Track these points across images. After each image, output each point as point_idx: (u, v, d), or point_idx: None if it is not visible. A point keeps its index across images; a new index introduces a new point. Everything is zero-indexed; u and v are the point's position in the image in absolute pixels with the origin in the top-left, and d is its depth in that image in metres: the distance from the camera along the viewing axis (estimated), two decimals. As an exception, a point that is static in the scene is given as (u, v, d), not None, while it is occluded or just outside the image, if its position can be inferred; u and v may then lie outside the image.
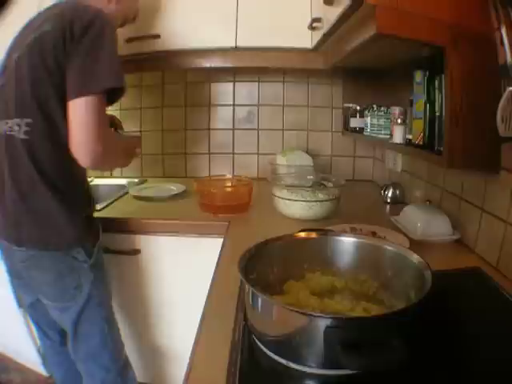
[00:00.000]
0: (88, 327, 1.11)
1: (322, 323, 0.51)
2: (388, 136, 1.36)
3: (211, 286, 0.88)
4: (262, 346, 0.61)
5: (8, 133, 0.99)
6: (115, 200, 1.57)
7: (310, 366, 0.55)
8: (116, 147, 1.11)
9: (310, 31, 1.45)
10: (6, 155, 1.00)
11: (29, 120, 0.97)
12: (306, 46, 1.51)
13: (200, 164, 2.02)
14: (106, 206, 1.48)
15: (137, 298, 1.43)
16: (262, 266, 0.70)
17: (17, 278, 1.13)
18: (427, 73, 0.96)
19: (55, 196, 1.00)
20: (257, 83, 1.95)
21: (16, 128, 0.98)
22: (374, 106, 1.49)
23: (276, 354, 0.58)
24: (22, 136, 0.97)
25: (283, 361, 0.57)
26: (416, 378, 0.56)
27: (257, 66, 1.65)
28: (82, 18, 0.96)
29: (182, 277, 1.38)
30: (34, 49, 0.96)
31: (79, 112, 0.92)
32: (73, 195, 1.05)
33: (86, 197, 1.12)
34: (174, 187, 1.70)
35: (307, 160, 1.80)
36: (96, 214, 1.38)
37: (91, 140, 0.93)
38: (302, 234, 0.80)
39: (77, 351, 1.14)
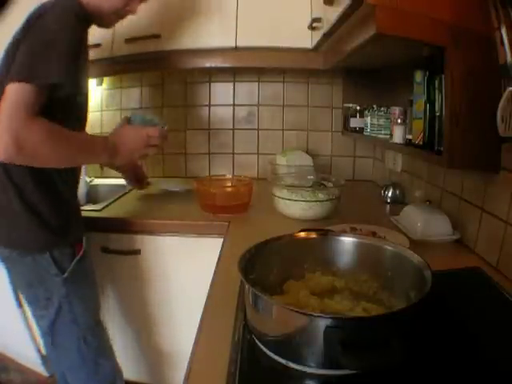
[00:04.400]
0: (62, 341, 1.07)
1: (322, 323, 0.51)
2: (388, 136, 1.36)
3: (211, 286, 0.88)
4: (262, 346, 0.61)
5: None
6: (115, 200, 1.57)
7: (309, 366, 0.54)
8: (50, 142, 0.90)
9: (310, 31, 1.45)
10: None
11: None
12: (306, 46, 1.51)
13: (200, 164, 2.02)
14: (106, 205, 1.48)
15: (136, 298, 1.43)
16: (261, 266, 0.70)
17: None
18: (427, 73, 0.96)
19: (18, 197, 0.97)
20: (257, 83, 1.95)
21: None
22: (374, 106, 1.49)
23: (276, 354, 0.58)
24: None
25: (283, 361, 0.57)
26: (416, 378, 0.56)
27: (257, 66, 1.66)
28: (42, 6, 0.93)
29: (182, 277, 1.38)
30: (9, 44, 0.95)
31: (4, 98, 0.85)
32: (39, 200, 1.00)
33: (57, 205, 1.04)
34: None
35: (307, 160, 1.80)
36: (96, 214, 1.38)
37: (1, 128, 0.83)
38: (302, 234, 0.80)
39: (55, 362, 1.12)
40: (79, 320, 1.06)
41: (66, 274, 1.02)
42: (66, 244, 1.04)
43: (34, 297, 1.04)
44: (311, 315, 0.53)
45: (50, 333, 1.05)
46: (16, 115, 0.84)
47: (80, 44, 0.96)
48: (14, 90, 0.85)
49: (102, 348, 1.14)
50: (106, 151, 1.04)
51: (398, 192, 1.56)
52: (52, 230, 1.02)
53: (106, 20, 1.10)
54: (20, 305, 1.52)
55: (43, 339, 1.15)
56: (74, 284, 1.04)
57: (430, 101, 0.95)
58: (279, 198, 1.35)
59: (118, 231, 1.35)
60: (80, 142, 0.99)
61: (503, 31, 0.78)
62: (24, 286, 1.04)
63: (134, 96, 2.01)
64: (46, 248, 1.01)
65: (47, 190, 1.01)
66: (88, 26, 1.07)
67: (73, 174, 1.12)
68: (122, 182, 1.85)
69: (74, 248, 1.06)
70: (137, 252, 1.36)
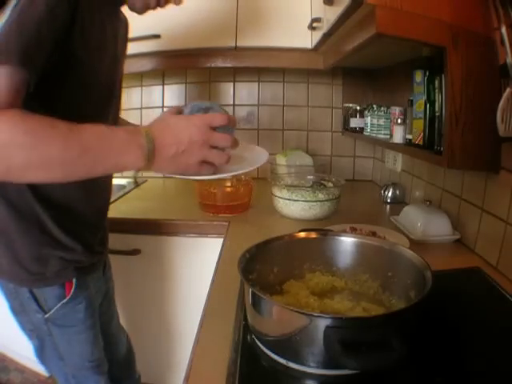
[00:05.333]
0: (51, 368, 0.96)
1: (322, 323, 0.51)
2: (388, 136, 1.36)
3: (211, 285, 0.88)
4: (262, 346, 0.61)
5: None
6: (115, 200, 1.57)
7: (309, 366, 0.55)
8: (28, 140, 0.58)
9: (310, 31, 1.45)
10: None
11: None
12: (306, 46, 1.51)
13: (200, 164, 2.02)
14: (106, 205, 1.48)
15: (136, 298, 1.43)
16: (262, 266, 0.70)
17: None
18: (427, 73, 0.96)
19: None
20: (257, 83, 1.95)
21: None
22: (374, 106, 1.49)
23: (276, 354, 0.58)
24: None
25: (283, 361, 0.57)
26: (416, 378, 0.57)
27: (257, 66, 1.65)
28: None
29: (182, 277, 1.38)
30: None
31: None
32: (10, 229, 0.78)
33: (33, 239, 0.79)
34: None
35: (307, 160, 1.80)
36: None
37: None
38: (302, 234, 0.80)
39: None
40: (65, 359, 0.90)
41: (47, 315, 0.85)
42: (47, 285, 0.83)
43: (20, 324, 0.90)
44: (311, 315, 0.53)
45: (40, 358, 0.94)
46: None
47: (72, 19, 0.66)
48: None
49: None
50: (135, 150, 0.63)
51: (398, 192, 1.56)
52: (26, 269, 0.80)
53: (139, 1, 0.85)
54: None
55: None
56: (60, 327, 0.87)
57: (430, 101, 0.95)
58: (279, 197, 1.35)
59: (118, 231, 1.35)
60: (85, 138, 0.61)
61: (503, 31, 0.78)
62: (11, 310, 0.89)
63: (134, 96, 2.00)
64: (23, 285, 0.83)
65: (21, 217, 0.78)
66: (119, 3, 0.86)
67: (65, 195, 0.81)
68: (122, 181, 1.86)
69: (63, 288, 0.84)
70: (137, 252, 1.35)
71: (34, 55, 0.61)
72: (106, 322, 1.06)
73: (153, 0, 0.86)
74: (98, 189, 0.91)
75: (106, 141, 0.63)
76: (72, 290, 0.85)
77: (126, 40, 0.95)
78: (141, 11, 0.89)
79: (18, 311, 0.87)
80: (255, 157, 0.81)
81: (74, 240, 0.83)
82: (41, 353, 0.92)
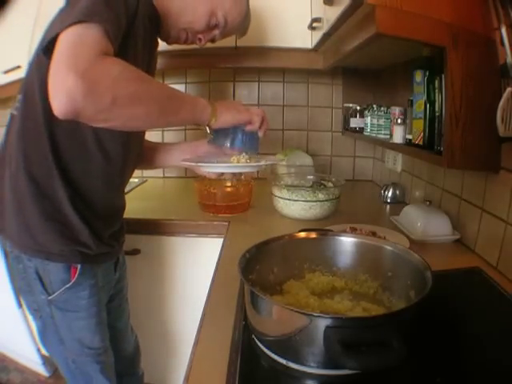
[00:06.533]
0: (52, 352, 0.98)
1: (322, 323, 0.51)
2: (388, 136, 1.36)
3: (211, 285, 0.88)
4: (262, 346, 0.61)
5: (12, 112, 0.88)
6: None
7: (309, 366, 0.55)
8: (133, 77, 0.69)
9: (310, 31, 1.45)
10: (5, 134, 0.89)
11: (20, 96, 0.84)
12: (305, 46, 1.51)
13: (200, 164, 2.02)
14: (106, 205, 1.48)
15: (136, 298, 1.43)
16: (262, 266, 0.70)
17: None
18: (427, 73, 0.96)
19: (9, 183, 0.84)
20: (257, 83, 1.95)
21: (16, 105, 0.87)
22: (374, 106, 1.49)
23: (276, 354, 0.58)
24: (14, 112, 0.86)
25: (283, 361, 0.57)
26: (416, 378, 0.57)
27: (257, 66, 1.65)
28: None
29: (181, 277, 1.38)
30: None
31: (57, 47, 0.64)
32: (25, 194, 0.83)
33: (45, 211, 0.84)
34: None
35: (307, 160, 1.80)
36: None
37: (62, 69, 0.61)
38: (302, 234, 0.80)
39: None
40: (66, 343, 0.93)
41: (50, 297, 0.88)
42: (49, 259, 0.86)
43: (25, 302, 0.95)
44: (311, 315, 0.53)
45: (42, 340, 0.97)
46: (82, 53, 0.62)
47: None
48: (71, 32, 0.64)
49: (94, 380, 0.98)
50: (202, 100, 0.83)
51: (397, 192, 1.56)
52: (33, 238, 0.84)
53: (173, 32, 0.99)
54: (20, 305, 1.52)
55: None
56: (61, 311, 0.90)
57: (430, 101, 0.95)
58: (279, 197, 1.35)
59: (118, 231, 1.35)
60: (169, 87, 0.80)
61: (503, 31, 0.78)
62: (17, 288, 0.95)
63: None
64: (27, 253, 0.86)
65: (38, 188, 0.83)
66: (156, 32, 0.97)
67: (87, 182, 0.88)
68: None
69: (69, 273, 0.88)
70: (137, 252, 1.35)
71: (115, 26, 0.70)
72: (114, 318, 1.10)
73: (182, 39, 1.03)
74: (118, 188, 0.99)
75: (184, 94, 0.84)
76: (76, 276, 0.89)
77: (156, 59, 1.10)
78: (170, 44, 1.06)
79: (25, 291, 0.92)
80: (268, 160, 1.06)
81: (83, 223, 0.87)
82: (43, 334, 0.95)
